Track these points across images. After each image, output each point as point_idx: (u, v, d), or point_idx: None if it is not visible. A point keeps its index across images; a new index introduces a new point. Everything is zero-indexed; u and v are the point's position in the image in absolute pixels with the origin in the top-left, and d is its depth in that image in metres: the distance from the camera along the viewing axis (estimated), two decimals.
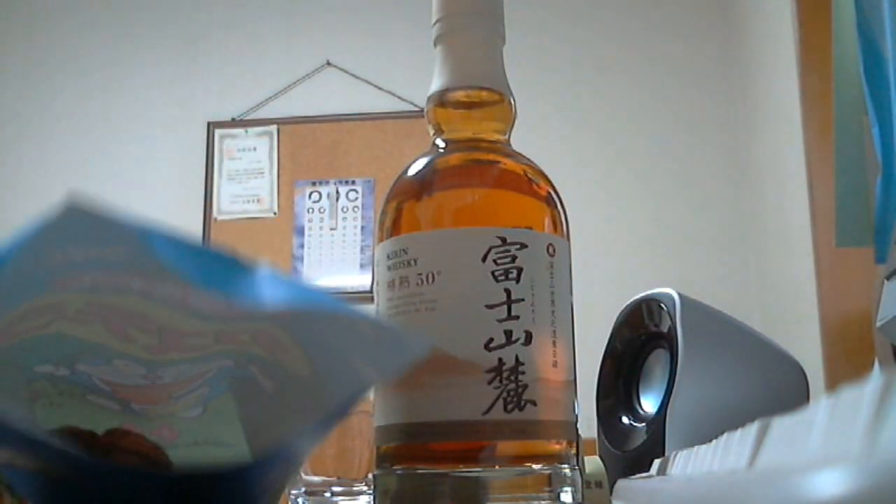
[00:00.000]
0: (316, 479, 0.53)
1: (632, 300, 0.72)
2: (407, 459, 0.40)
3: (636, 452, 0.65)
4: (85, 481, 0.26)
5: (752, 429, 0.22)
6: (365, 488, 0.53)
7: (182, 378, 0.32)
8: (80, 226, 0.24)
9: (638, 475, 0.48)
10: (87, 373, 0.31)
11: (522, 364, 0.39)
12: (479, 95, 0.45)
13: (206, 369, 0.32)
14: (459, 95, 0.45)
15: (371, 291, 0.44)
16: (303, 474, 0.52)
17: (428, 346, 0.28)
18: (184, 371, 0.31)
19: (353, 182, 2.27)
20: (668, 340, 0.66)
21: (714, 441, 0.28)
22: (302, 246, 2.24)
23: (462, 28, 0.45)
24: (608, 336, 0.73)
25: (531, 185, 0.44)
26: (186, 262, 0.25)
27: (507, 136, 0.46)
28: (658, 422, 0.64)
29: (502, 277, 0.40)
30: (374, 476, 0.42)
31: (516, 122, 0.46)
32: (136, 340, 0.29)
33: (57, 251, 0.25)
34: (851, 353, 1.40)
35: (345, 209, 2.26)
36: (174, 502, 0.26)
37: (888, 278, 0.62)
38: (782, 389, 0.68)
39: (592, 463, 0.52)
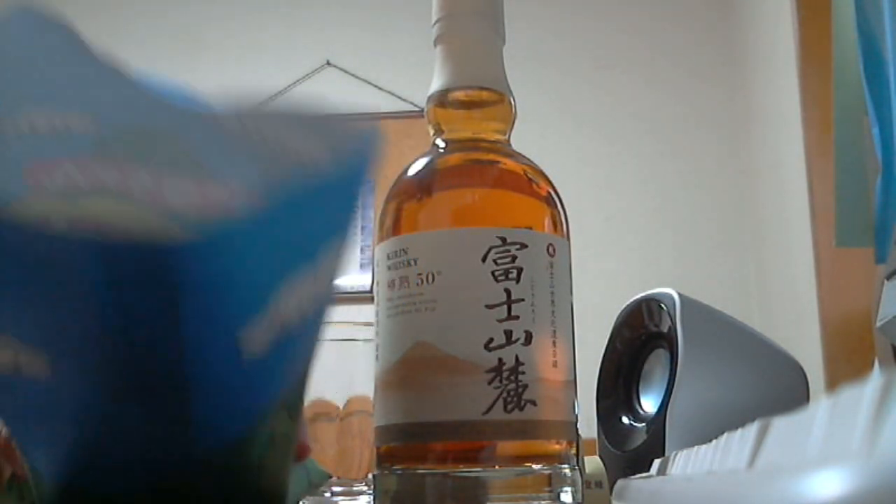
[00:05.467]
0: None
1: (632, 300, 0.72)
2: (407, 459, 0.40)
3: (636, 452, 0.65)
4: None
5: (752, 429, 0.22)
6: (365, 488, 0.53)
7: None
8: (29, 22, 0.24)
9: (638, 475, 0.48)
10: None
11: (522, 364, 0.39)
12: (479, 95, 0.45)
13: None
14: (459, 95, 0.45)
15: (371, 291, 0.44)
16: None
17: (379, 135, 0.27)
18: None
19: None
20: (668, 340, 0.66)
21: (714, 441, 0.28)
22: None
23: (462, 28, 0.45)
24: (608, 336, 0.73)
25: (531, 185, 0.44)
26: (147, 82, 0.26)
27: (507, 136, 0.46)
28: (658, 422, 0.64)
29: (502, 277, 0.40)
30: (374, 476, 0.42)
31: (516, 121, 0.46)
32: None
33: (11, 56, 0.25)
34: (851, 353, 1.40)
35: None
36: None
37: (888, 278, 0.62)
38: (782, 389, 0.68)
39: (592, 463, 0.52)
